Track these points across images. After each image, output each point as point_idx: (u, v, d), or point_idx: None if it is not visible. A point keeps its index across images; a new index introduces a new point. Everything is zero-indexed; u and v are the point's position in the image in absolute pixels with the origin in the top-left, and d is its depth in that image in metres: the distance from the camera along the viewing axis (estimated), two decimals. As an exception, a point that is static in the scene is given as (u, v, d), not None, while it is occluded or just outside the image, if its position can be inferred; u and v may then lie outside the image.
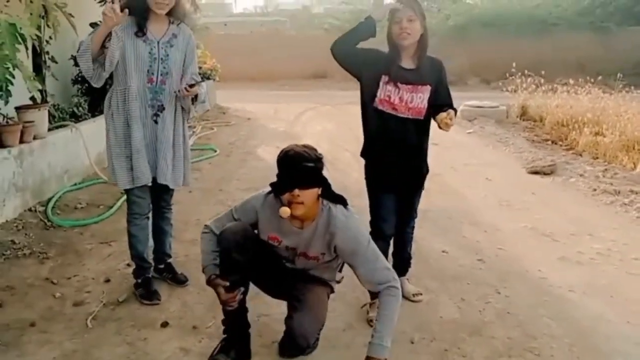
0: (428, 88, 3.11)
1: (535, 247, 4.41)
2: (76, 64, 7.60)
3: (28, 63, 5.15)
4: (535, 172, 6.90)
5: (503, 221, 4.96)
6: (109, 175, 3.77)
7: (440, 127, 3.05)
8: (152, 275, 3.58)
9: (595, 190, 6.08)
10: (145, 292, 3.41)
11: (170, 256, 3.71)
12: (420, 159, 3.29)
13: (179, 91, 3.21)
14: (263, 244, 2.73)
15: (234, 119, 11.17)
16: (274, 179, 2.58)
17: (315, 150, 2.60)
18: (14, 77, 3.98)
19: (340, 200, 2.67)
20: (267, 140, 8.92)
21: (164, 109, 3.24)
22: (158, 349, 2.86)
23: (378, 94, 3.11)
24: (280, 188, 2.55)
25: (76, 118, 6.64)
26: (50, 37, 5.78)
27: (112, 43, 3.04)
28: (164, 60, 3.20)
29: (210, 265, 2.70)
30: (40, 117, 5.16)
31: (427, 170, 3.35)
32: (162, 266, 3.67)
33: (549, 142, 9.30)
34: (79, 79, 7.72)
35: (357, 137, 9.48)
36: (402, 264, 3.53)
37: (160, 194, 3.51)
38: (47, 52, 6.11)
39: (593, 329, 3.18)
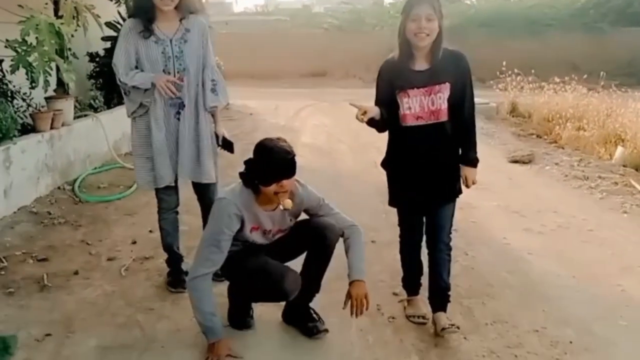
0: (447, 86, 2.92)
1: (503, 220, 5.05)
2: (91, 60, 8.25)
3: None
4: (515, 161, 7.51)
5: (479, 200, 5.55)
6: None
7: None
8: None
9: (566, 176, 6.72)
10: (172, 280, 3.57)
11: None
12: (450, 169, 3.08)
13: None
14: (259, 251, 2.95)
15: (236, 114, 11.76)
16: None
17: (287, 141, 2.79)
18: (52, 69, 4.61)
19: None
20: (268, 133, 9.36)
21: (184, 106, 3.29)
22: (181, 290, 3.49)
23: (400, 112, 2.97)
24: (266, 180, 2.70)
25: (94, 110, 7.24)
26: (72, 35, 6.40)
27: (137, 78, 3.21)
28: (179, 57, 3.23)
29: (217, 327, 2.78)
30: (67, 106, 5.80)
31: (459, 188, 3.15)
32: None
33: (534, 136, 9.91)
34: (94, 74, 8.36)
35: (352, 130, 10.16)
36: (439, 295, 3.15)
37: (199, 193, 3.53)
38: (70, 49, 6.72)
39: (543, 281, 3.82)
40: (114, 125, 6.99)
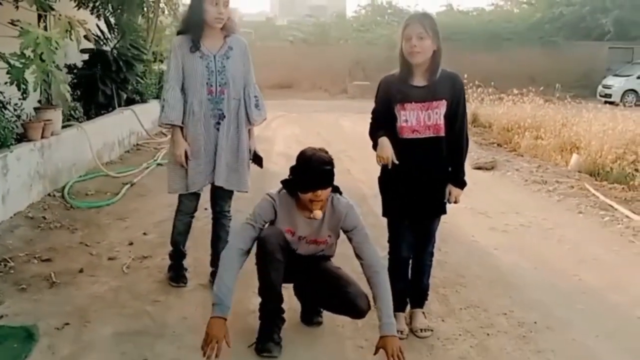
0: (443, 103, 3.06)
1: (471, 221, 5.48)
2: (69, 72, 8.45)
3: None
4: (479, 168, 8.02)
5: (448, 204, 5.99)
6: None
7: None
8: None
9: (526, 181, 7.26)
10: (174, 275, 3.85)
11: None
12: (442, 184, 3.21)
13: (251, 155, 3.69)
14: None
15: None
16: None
17: (328, 152, 2.95)
18: (50, 81, 4.84)
19: (337, 190, 3.07)
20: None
21: (224, 116, 3.53)
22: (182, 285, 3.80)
23: (397, 124, 3.09)
24: (302, 188, 2.88)
25: (76, 120, 7.45)
26: (56, 48, 6.61)
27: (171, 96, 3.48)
28: (221, 72, 3.48)
29: (224, 303, 2.83)
30: (56, 117, 6.03)
31: (447, 202, 3.28)
32: (213, 268, 3.74)
33: (495, 145, 10.47)
34: (72, 85, 8.55)
35: (324, 140, 10.60)
36: (418, 295, 3.44)
37: (216, 200, 3.77)
38: (53, 61, 6.92)
39: (509, 272, 4.25)
40: (97, 135, 7.22)
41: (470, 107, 12.82)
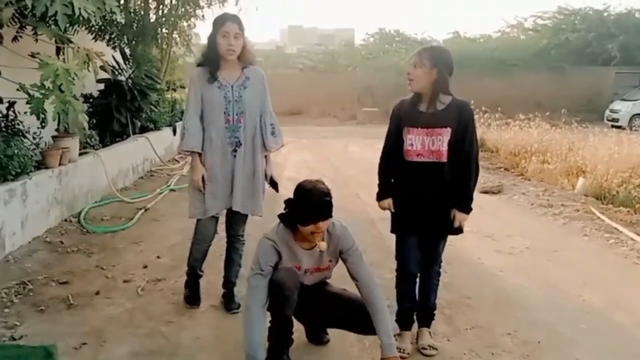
0: (447, 130, 3.18)
1: (477, 244, 5.58)
2: (85, 101, 8.69)
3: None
4: (485, 192, 8.13)
5: (454, 227, 6.11)
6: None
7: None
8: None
9: (532, 204, 7.35)
10: (189, 295, 3.98)
11: (234, 284, 3.97)
12: (444, 205, 3.31)
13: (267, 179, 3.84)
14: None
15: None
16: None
17: (324, 183, 3.02)
18: (67, 110, 5.04)
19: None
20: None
21: (241, 144, 3.66)
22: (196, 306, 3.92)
23: (404, 147, 3.27)
24: (304, 220, 2.92)
25: (91, 147, 7.65)
26: (74, 79, 6.85)
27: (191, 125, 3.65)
28: (238, 101, 3.63)
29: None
30: (73, 144, 6.22)
31: (460, 227, 3.38)
32: (225, 290, 3.99)
33: (502, 169, 10.58)
34: (88, 114, 8.77)
35: (333, 166, 10.74)
36: (425, 314, 3.55)
37: (231, 224, 3.91)
38: (72, 92, 7.15)
39: (514, 292, 4.34)
40: (112, 162, 7.41)
41: (478, 132, 12.87)
